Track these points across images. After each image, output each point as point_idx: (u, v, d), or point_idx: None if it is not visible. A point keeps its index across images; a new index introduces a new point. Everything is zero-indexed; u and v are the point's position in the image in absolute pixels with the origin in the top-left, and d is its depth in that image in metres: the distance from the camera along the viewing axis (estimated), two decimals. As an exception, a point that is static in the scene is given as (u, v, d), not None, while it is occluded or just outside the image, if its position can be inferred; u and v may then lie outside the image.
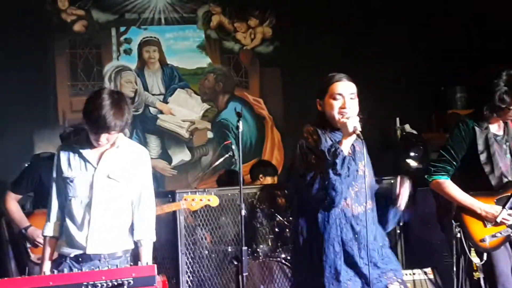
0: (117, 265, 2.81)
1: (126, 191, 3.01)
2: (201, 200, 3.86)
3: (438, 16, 6.70)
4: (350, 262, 2.84)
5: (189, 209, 3.96)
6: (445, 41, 6.67)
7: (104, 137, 2.86)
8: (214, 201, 3.90)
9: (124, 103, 2.87)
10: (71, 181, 2.92)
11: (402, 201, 2.91)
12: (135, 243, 3.02)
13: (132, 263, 2.82)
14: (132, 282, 2.36)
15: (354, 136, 2.84)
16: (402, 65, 6.81)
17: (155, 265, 2.42)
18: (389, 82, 6.70)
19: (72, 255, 2.91)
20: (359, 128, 2.82)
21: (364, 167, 2.90)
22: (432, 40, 6.76)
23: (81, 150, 2.95)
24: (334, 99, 2.91)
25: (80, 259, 2.89)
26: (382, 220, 2.98)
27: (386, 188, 3.03)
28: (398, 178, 2.92)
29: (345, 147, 2.82)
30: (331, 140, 2.89)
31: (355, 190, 2.88)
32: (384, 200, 2.96)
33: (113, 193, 2.95)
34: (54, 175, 2.99)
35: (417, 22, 6.82)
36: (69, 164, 2.94)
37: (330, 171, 2.75)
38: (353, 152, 2.90)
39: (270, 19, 7.01)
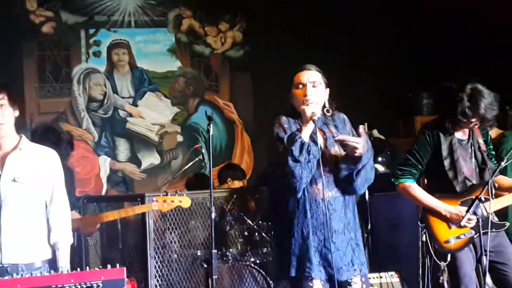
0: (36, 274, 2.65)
1: (36, 193, 2.93)
2: (172, 201, 3.81)
3: (406, 22, 6.81)
4: (318, 248, 2.87)
5: (160, 210, 3.92)
6: (413, 47, 6.78)
7: None
8: (186, 202, 3.86)
9: None
10: None
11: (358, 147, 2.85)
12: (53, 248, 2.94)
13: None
14: (101, 285, 2.35)
15: (312, 125, 2.85)
16: (370, 71, 6.90)
17: (125, 268, 2.40)
18: (358, 87, 6.78)
19: None
20: (317, 115, 2.85)
21: (337, 152, 2.93)
22: (400, 46, 6.87)
23: None
24: (297, 88, 2.98)
25: None
26: (351, 178, 2.92)
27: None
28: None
29: (305, 134, 2.84)
30: (299, 128, 2.92)
31: (327, 175, 2.90)
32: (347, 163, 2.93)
33: (21, 196, 2.88)
34: None
35: (386, 28, 6.93)
36: None
37: (289, 158, 2.78)
38: (325, 138, 2.94)
39: (240, 24, 7.04)
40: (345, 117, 3.08)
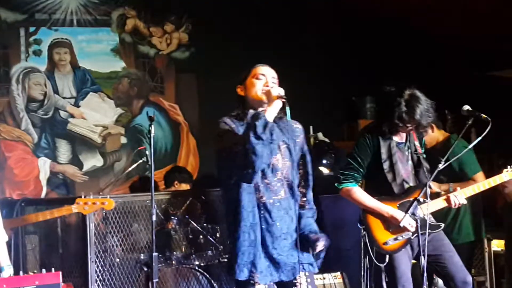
0: None
1: None
2: (94, 203, 3.69)
3: (352, 27, 6.92)
4: (264, 251, 2.87)
5: (81, 212, 3.79)
6: (358, 52, 6.90)
7: None
8: (109, 205, 3.74)
9: None
10: None
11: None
12: None
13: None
14: (35, 290, 2.26)
15: (279, 104, 2.83)
16: (316, 75, 6.98)
17: (60, 273, 2.32)
18: (303, 90, 6.83)
19: None
20: (282, 94, 2.84)
21: (278, 160, 2.93)
22: (346, 50, 6.98)
23: None
24: (258, 78, 2.97)
25: None
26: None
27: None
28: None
29: (269, 114, 2.82)
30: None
31: (269, 180, 2.90)
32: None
33: None
34: None
35: (332, 32, 7.02)
36: None
37: (251, 134, 2.74)
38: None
39: (186, 25, 6.99)
40: (302, 128, 3.10)
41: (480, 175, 4.22)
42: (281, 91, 2.86)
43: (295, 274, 2.92)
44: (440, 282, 4.44)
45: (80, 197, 3.87)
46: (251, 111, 2.93)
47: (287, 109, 2.84)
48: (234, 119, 2.97)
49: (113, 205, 3.75)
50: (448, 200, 3.61)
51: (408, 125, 3.50)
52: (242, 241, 2.85)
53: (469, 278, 3.57)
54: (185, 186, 5.45)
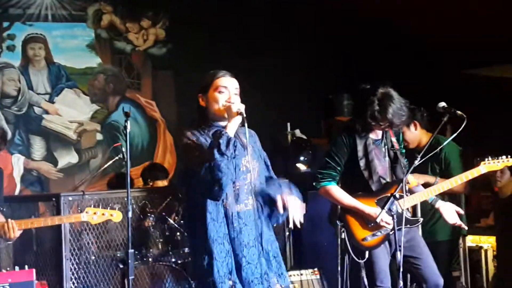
0: None
1: None
2: (103, 214, 3.70)
3: (331, 25, 6.94)
4: (227, 261, 2.85)
5: (89, 222, 3.79)
6: (336, 49, 6.92)
7: None
8: (117, 217, 3.76)
9: None
10: None
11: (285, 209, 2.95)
12: None
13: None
14: (8, 287, 2.22)
15: (238, 120, 2.84)
16: (294, 72, 6.99)
17: (34, 270, 2.28)
18: (281, 87, 6.85)
19: None
20: (243, 111, 2.84)
21: (247, 163, 2.93)
22: (324, 48, 7.00)
23: None
24: (220, 92, 2.94)
25: None
26: (270, 216, 3.01)
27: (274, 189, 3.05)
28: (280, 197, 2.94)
29: (230, 129, 2.83)
30: (209, 137, 2.89)
31: (236, 187, 2.89)
32: (270, 201, 2.98)
33: None
34: None
35: (310, 30, 7.03)
36: None
37: (215, 152, 2.74)
38: (235, 146, 2.89)
39: (163, 21, 6.94)
40: (255, 134, 3.11)
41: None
42: (241, 107, 2.86)
43: (264, 285, 2.89)
44: None
45: (75, 194, 3.79)
46: (214, 126, 2.92)
47: (245, 125, 2.86)
48: (195, 131, 2.94)
49: (120, 217, 3.74)
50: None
51: (381, 124, 3.52)
52: (219, 252, 2.83)
53: (441, 281, 3.61)
54: (161, 183, 5.41)
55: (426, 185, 3.89)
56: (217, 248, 2.83)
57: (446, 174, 4.20)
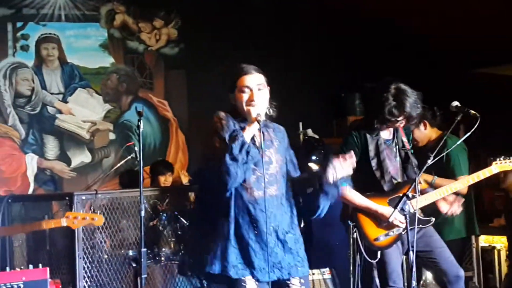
0: None
1: None
2: (84, 218, 3.71)
3: (341, 25, 6.92)
4: (245, 246, 2.85)
5: (69, 227, 3.81)
6: (348, 48, 6.90)
7: None
8: (99, 221, 3.77)
9: None
10: None
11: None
12: None
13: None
14: (22, 286, 2.25)
15: (256, 126, 2.86)
16: (305, 71, 6.98)
17: (48, 269, 2.30)
18: (294, 86, 6.84)
19: None
20: (262, 116, 2.87)
21: (272, 154, 2.95)
22: (335, 47, 6.99)
23: None
24: (243, 92, 2.95)
25: None
26: (313, 206, 2.99)
27: (310, 176, 3.05)
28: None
29: (248, 134, 2.85)
30: (240, 128, 2.92)
31: (257, 175, 2.89)
32: (309, 187, 2.98)
33: None
34: None
35: (320, 29, 7.02)
36: None
37: (227, 155, 2.76)
38: (263, 139, 2.92)
39: (175, 21, 6.97)
40: (285, 131, 3.11)
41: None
42: (261, 112, 2.89)
43: (282, 273, 2.90)
44: (429, 277, 4.47)
45: (88, 193, 3.82)
46: (245, 121, 2.94)
47: (259, 127, 2.88)
48: (229, 115, 2.96)
49: (102, 221, 3.76)
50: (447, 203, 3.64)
51: (399, 119, 3.51)
52: (220, 237, 2.84)
53: (462, 272, 3.59)
54: (163, 178, 5.46)
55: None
56: (235, 237, 2.84)
57: (448, 172, 4.19)
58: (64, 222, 3.65)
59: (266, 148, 2.93)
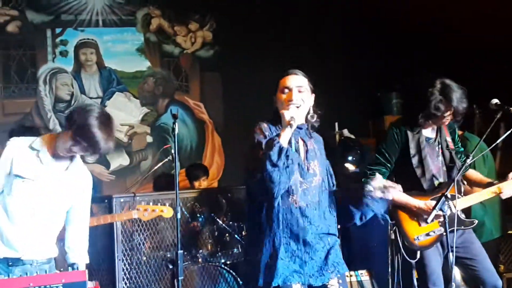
0: (46, 271, 2.71)
1: (66, 204, 3.04)
2: (153, 210, 3.76)
3: (376, 23, 6.85)
4: (294, 256, 2.84)
5: (140, 219, 3.87)
6: (383, 48, 6.82)
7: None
8: (168, 213, 3.81)
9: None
10: (22, 180, 2.86)
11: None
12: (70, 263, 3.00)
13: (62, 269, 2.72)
14: (61, 288, 2.28)
15: (290, 129, 2.80)
16: (340, 72, 6.93)
17: (86, 271, 2.34)
18: (329, 87, 6.75)
19: (1, 257, 2.82)
20: (296, 119, 2.79)
21: (316, 166, 2.91)
22: (370, 46, 6.91)
23: (41, 155, 2.93)
24: (282, 92, 2.92)
25: (10, 262, 2.82)
26: (348, 217, 3.02)
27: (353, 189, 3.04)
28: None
29: (283, 138, 2.78)
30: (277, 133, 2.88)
31: (304, 187, 2.87)
32: (349, 200, 2.98)
33: (57, 204, 2.96)
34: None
35: (356, 29, 6.95)
36: (23, 162, 2.89)
37: (267, 162, 2.72)
38: (306, 150, 2.90)
39: (210, 23, 7.00)
40: (322, 140, 3.07)
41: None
42: (296, 116, 2.81)
43: (325, 277, 2.88)
44: (457, 277, 4.34)
45: (127, 196, 3.88)
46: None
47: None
48: (271, 125, 2.93)
49: (171, 213, 3.80)
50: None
51: (446, 114, 3.44)
52: (267, 247, 2.83)
53: (500, 283, 3.50)
54: (197, 183, 5.47)
55: None
56: (282, 248, 2.83)
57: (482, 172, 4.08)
58: (135, 214, 3.73)
59: (310, 160, 2.89)
